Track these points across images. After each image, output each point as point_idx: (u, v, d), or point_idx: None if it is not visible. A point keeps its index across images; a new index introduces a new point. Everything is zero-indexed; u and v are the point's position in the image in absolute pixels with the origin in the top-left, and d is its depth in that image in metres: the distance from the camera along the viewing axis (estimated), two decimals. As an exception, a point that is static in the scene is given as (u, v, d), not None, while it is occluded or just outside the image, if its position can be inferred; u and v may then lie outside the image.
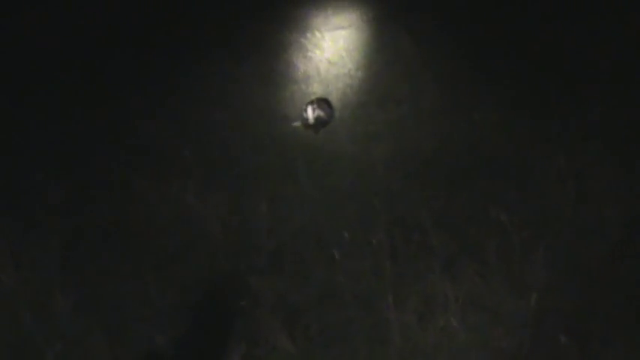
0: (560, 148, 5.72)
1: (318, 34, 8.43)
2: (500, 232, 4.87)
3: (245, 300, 4.58)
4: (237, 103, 6.91)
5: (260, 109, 6.88)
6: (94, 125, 6.67)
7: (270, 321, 4.45)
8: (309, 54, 7.96)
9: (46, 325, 4.51)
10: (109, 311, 4.60)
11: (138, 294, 4.69)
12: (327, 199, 5.48)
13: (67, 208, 5.53)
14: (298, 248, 4.96)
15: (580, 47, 7.51)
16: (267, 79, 7.48)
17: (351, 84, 7.30)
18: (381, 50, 7.92)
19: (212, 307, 4.68)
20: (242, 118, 6.65)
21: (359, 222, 5.18)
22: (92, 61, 7.87)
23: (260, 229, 5.16)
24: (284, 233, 5.12)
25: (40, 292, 4.73)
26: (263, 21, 8.75)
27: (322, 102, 6.52)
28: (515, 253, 4.68)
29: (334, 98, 6.96)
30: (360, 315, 4.48)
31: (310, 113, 6.32)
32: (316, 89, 7.21)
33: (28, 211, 5.50)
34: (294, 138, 6.34)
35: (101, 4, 9.05)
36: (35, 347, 4.37)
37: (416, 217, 5.13)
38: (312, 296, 4.61)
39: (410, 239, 4.91)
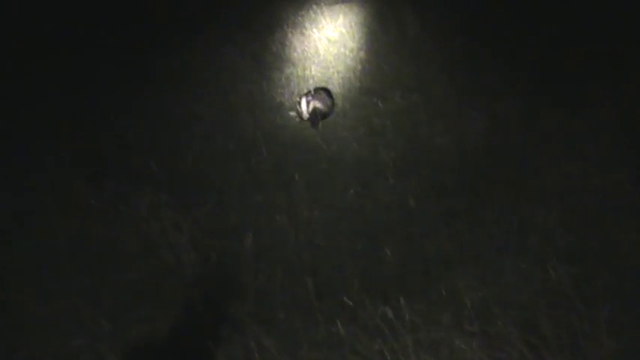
0: (610, 159, 4.08)
1: (316, 9, 6.71)
2: (545, 274, 3.27)
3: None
4: (223, 91, 5.29)
5: (250, 96, 5.33)
6: (47, 126, 4.98)
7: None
8: (307, 32, 6.28)
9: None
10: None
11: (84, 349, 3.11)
12: (327, 218, 3.93)
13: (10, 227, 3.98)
14: (291, 289, 3.37)
15: (619, 19, 5.82)
16: (259, 60, 5.85)
17: (353, 66, 5.70)
18: (385, 28, 6.27)
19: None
20: (228, 109, 5.02)
21: (366, 254, 3.63)
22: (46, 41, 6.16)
23: (245, 261, 3.59)
24: (274, 266, 3.54)
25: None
26: (255, -5, 7.05)
27: (320, 92, 4.95)
28: (569, 310, 3.10)
29: (335, 83, 5.40)
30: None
31: (304, 107, 4.80)
32: (315, 72, 5.63)
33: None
34: (289, 134, 4.78)
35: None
36: None
37: (437, 247, 3.60)
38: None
39: (432, 281, 3.32)
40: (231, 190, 4.25)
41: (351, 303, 3.33)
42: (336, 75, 5.59)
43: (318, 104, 4.82)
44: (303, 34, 6.34)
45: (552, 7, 6.17)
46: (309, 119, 4.88)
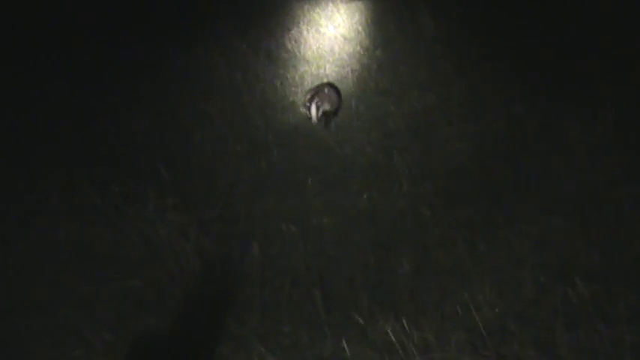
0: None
1: (332, 6, 6.47)
2: (565, 291, 3.03)
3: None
4: (235, 90, 5.05)
5: (263, 95, 5.06)
6: (46, 129, 4.77)
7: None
8: (322, 29, 6.04)
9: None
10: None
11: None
12: (338, 226, 3.69)
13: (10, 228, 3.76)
14: (298, 301, 3.15)
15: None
16: (274, 58, 5.61)
17: (368, 65, 5.45)
18: (401, 27, 6.02)
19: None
20: (240, 109, 4.80)
21: (378, 266, 3.42)
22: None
23: (251, 271, 3.36)
24: (282, 276, 3.31)
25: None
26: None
27: (325, 89, 4.61)
28: (590, 330, 2.86)
29: (349, 82, 5.20)
30: None
31: (314, 112, 4.47)
32: (329, 71, 5.40)
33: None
34: (301, 135, 4.55)
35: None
36: None
37: (452, 258, 3.38)
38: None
39: (446, 295, 3.10)
40: (241, 194, 4.04)
41: (360, 318, 3.09)
42: (350, 74, 5.38)
43: (327, 106, 4.56)
44: (318, 31, 6.12)
45: (574, 8, 5.89)
46: (320, 121, 4.61)
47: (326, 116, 4.60)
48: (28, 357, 3.03)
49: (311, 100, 4.51)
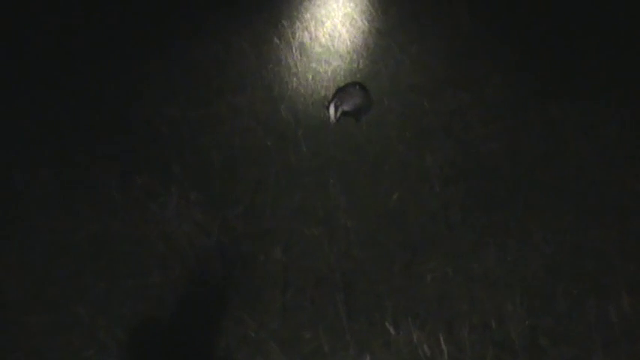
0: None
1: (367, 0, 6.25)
2: (601, 305, 2.80)
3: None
4: (266, 83, 4.84)
5: (295, 89, 4.82)
6: (71, 118, 4.63)
7: None
8: (357, 23, 5.81)
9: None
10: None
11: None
12: (366, 226, 3.47)
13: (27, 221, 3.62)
14: (320, 306, 2.94)
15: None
16: (305, 51, 5.38)
17: (402, 61, 5.17)
18: (438, 22, 5.74)
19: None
20: (270, 103, 4.59)
21: (406, 270, 3.20)
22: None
23: (274, 270, 3.16)
24: (305, 278, 3.12)
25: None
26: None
27: (351, 90, 4.35)
28: (629, 352, 2.60)
29: (383, 78, 4.97)
30: None
31: (332, 112, 4.23)
32: (362, 66, 5.16)
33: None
34: (331, 130, 4.31)
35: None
36: None
37: (482, 265, 3.13)
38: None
39: (476, 305, 2.88)
40: (267, 191, 3.82)
41: (384, 326, 2.88)
42: (384, 70, 5.14)
43: (347, 107, 4.32)
44: (353, 26, 5.88)
45: (616, 9, 5.57)
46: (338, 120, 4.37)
47: (355, 114, 4.35)
48: (37, 356, 2.85)
49: (331, 100, 4.26)
